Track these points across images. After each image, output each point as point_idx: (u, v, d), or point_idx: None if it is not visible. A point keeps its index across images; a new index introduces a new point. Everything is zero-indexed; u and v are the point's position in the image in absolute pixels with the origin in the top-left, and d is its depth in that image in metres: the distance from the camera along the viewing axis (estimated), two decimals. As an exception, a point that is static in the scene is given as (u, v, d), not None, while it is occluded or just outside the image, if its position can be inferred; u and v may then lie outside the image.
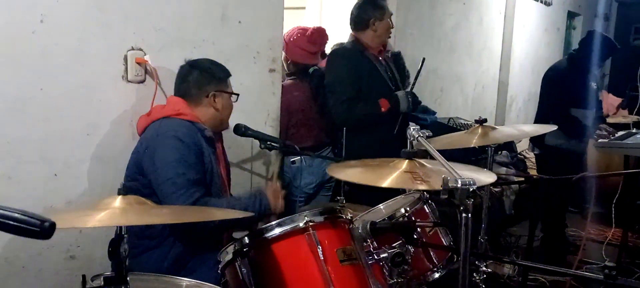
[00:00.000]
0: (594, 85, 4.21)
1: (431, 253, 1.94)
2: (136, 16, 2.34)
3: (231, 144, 2.72)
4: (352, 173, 1.71)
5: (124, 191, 1.34)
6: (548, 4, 7.00)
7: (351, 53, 3.12)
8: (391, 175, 1.57)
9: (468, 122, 4.62)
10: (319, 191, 3.31)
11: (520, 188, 4.87)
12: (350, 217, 1.65)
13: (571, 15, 8.01)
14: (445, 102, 5.10)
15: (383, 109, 3.03)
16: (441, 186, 1.22)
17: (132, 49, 2.34)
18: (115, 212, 1.28)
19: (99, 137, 2.30)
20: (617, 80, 7.17)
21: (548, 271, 2.36)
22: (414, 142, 1.70)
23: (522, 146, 5.57)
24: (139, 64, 2.35)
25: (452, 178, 1.23)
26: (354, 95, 3.04)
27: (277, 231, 1.52)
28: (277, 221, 1.55)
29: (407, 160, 1.62)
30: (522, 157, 5.40)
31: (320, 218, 1.55)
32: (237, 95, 2.33)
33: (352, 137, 2.85)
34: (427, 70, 4.59)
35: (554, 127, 2.81)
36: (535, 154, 4.58)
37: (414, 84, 3.19)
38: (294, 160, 3.18)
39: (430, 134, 1.65)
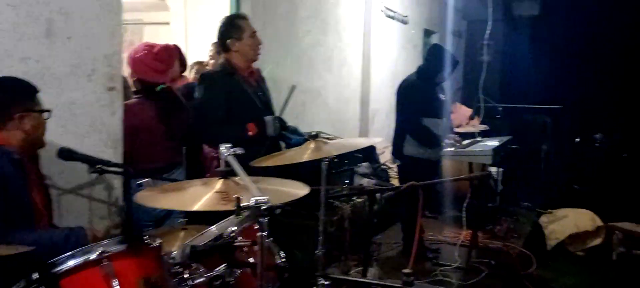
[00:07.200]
0: (442, 96, 4.49)
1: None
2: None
3: (64, 168, 2.52)
4: (163, 198, 1.63)
5: None
6: (405, 22, 7.41)
7: (219, 76, 3.15)
8: (203, 197, 1.51)
9: (330, 136, 4.72)
10: (170, 215, 3.16)
11: (383, 198, 5.06)
12: (159, 242, 1.56)
13: (427, 33, 8.54)
14: (307, 117, 5.16)
15: (250, 133, 3.08)
16: (234, 206, 1.19)
17: None
18: None
19: None
20: (468, 92, 7.74)
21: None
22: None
23: (386, 157, 5.79)
24: (-62, 85, 2.09)
25: (246, 197, 1.20)
26: (223, 117, 3.07)
27: (70, 263, 1.40)
28: (70, 253, 1.42)
29: (222, 180, 1.58)
30: (386, 167, 5.61)
31: (120, 247, 1.45)
32: (49, 111, 2.14)
33: None
34: (288, 85, 4.61)
35: (379, 139, 2.95)
36: (397, 165, 4.78)
37: (282, 110, 3.30)
38: (140, 183, 3.02)
39: (243, 151, 1.63)
